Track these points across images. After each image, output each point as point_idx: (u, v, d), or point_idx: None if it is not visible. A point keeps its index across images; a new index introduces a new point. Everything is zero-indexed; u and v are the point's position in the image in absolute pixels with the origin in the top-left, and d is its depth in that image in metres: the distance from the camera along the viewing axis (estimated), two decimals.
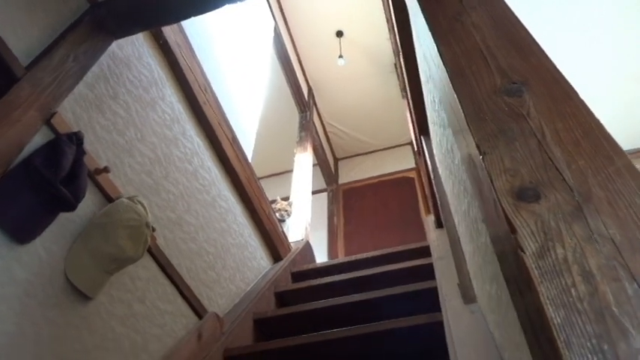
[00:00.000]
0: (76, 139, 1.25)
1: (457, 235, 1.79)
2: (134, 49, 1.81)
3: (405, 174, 5.66)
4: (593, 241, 0.38)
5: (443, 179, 1.89)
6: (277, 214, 3.19)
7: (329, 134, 6.11)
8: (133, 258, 1.29)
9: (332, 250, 5.07)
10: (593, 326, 0.33)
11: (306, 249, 3.32)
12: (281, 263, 2.84)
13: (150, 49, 1.94)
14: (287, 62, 4.68)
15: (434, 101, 1.50)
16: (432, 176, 2.26)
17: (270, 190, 3.57)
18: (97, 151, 1.45)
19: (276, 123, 5.33)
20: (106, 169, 1.36)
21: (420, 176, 5.22)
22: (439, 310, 1.73)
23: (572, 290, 0.35)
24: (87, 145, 1.39)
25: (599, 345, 0.32)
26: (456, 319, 1.55)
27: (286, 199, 3.68)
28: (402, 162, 5.82)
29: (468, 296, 1.59)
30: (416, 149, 3.53)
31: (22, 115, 1.14)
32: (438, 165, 2.06)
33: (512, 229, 0.41)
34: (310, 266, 2.99)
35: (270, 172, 5.98)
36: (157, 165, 1.81)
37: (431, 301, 1.86)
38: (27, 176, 1.07)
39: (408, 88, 2.08)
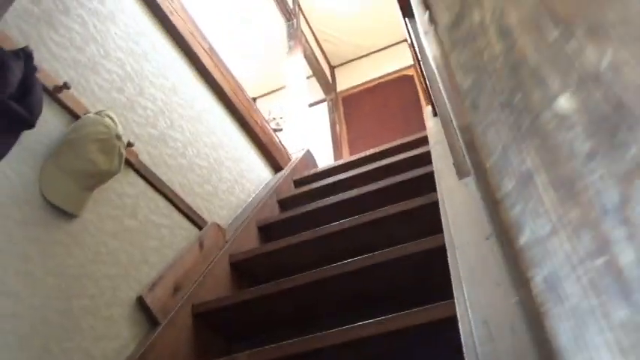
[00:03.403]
0: (24, 54, 1.17)
1: (448, 112, 1.72)
2: None
3: (404, 72, 5.46)
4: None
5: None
6: (273, 124, 3.13)
7: (321, 42, 5.85)
8: (110, 172, 1.26)
9: (337, 159, 5.05)
10: (506, 82, 0.27)
11: (307, 157, 3.29)
12: (282, 172, 2.83)
13: None
14: None
15: None
16: (419, 59, 2.14)
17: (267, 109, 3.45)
18: (56, 70, 1.38)
19: (263, 39, 5.10)
20: (65, 85, 1.29)
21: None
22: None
23: (485, 52, 0.29)
24: (44, 64, 1.32)
25: (510, 98, 0.26)
26: (450, 194, 1.54)
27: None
28: (400, 61, 5.58)
29: (462, 171, 1.56)
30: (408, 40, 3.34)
31: None
32: (423, 41, 1.94)
33: (427, 7, 0.35)
34: (312, 171, 2.97)
35: (265, 91, 5.85)
36: (129, 82, 1.73)
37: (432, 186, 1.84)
38: None
39: None
